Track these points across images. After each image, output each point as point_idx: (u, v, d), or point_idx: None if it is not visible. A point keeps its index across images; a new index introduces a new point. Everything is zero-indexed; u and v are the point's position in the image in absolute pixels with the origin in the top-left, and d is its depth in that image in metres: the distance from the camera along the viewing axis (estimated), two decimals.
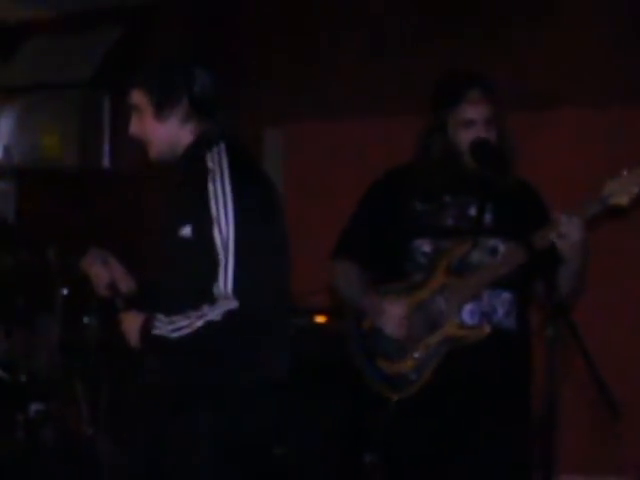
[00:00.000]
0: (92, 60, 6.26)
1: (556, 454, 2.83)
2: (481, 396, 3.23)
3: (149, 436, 3.01)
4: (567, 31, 5.08)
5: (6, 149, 6.55)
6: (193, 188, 2.91)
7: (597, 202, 3.08)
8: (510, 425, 3.23)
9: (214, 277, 2.83)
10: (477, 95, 3.26)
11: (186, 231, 2.88)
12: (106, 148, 6.36)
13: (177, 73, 2.97)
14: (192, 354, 2.90)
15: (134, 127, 3.04)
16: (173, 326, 2.85)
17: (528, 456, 3.22)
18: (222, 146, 2.95)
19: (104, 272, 3.12)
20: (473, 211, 3.27)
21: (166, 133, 2.99)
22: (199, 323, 2.82)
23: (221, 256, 2.82)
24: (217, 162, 2.90)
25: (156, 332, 2.87)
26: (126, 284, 3.16)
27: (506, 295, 3.25)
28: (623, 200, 3.05)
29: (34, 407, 4.51)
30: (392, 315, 3.25)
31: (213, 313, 2.81)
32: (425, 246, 3.28)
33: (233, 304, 2.81)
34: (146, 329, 2.89)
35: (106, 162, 6.39)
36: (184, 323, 2.84)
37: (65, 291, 4.21)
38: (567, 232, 3.05)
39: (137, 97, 3.01)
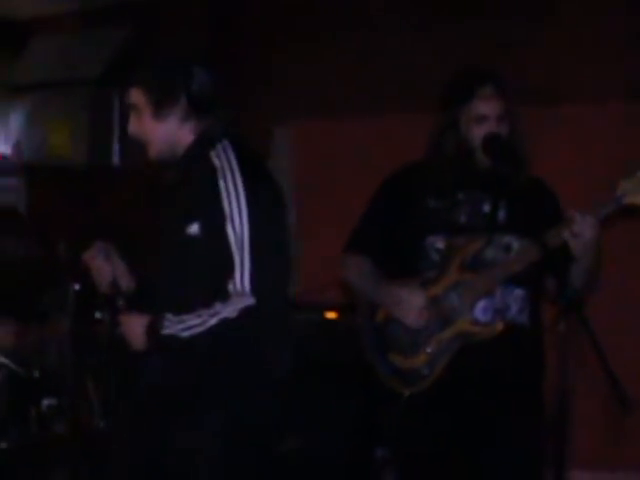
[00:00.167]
0: (102, 58, 6.28)
1: (568, 450, 2.84)
2: (494, 392, 3.24)
3: (151, 436, 2.97)
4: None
5: (16, 146, 6.56)
6: (200, 186, 2.91)
7: (611, 201, 3.09)
8: (523, 421, 3.23)
9: (227, 274, 2.82)
10: (489, 91, 3.27)
11: (194, 229, 2.87)
12: (115, 146, 6.37)
13: (175, 72, 2.94)
14: (205, 352, 2.87)
15: (133, 126, 3.01)
16: (183, 325, 2.83)
17: (540, 452, 3.23)
18: (226, 143, 2.94)
19: (106, 267, 3.08)
20: (486, 208, 3.28)
21: (165, 132, 2.97)
22: (213, 321, 2.81)
23: (236, 253, 2.81)
24: (225, 159, 2.89)
25: (166, 332, 2.85)
26: (126, 282, 3.13)
27: (519, 291, 3.26)
28: (637, 199, 3.06)
29: (46, 402, 4.53)
30: (412, 305, 3.25)
31: (227, 310, 2.80)
32: (438, 243, 3.29)
33: (249, 301, 2.80)
34: (153, 330, 2.86)
35: (115, 159, 6.40)
36: (196, 322, 2.82)
37: (77, 286, 4.22)
38: (580, 231, 3.05)
39: (135, 96, 2.98)
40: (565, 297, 2.95)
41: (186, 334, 2.82)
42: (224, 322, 2.80)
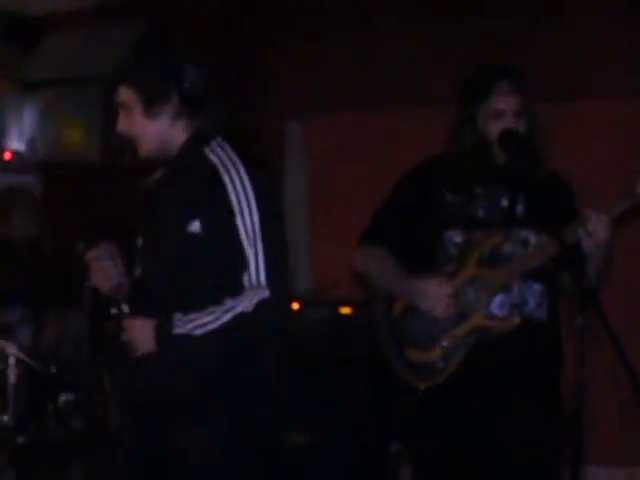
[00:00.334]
0: (115, 54, 6.28)
1: (586, 444, 2.84)
2: (510, 387, 3.24)
3: (152, 437, 2.91)
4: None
5: (30, 142, 6.58)
6: (200, 183, 2.87)
7: (628, 199, 3.10)
8: (539, 416, 3.24)
9: (233, 270, 2.80)
10: (506, 86, 3.28)
11: (195, 226, 2.83)
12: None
13: (166, 69, 2.90)
14: (222, 349, 2.82)
15: (122, 125, 2.95)
16: (194, 324, 2.79)
17: (557, 447, 3.23)
18: (219, 140, 2.91)
19: (113, 270, 2.98)
20: (504, 202, 3.28)
21: (157, 130, 2.91)
22: (227, 317, 2.78)
23: (248, 246, 2.80)
24: (224, 155, 2.87)
25: (177, 331, 2.80)
26: (125, 284, 3.04)
27: (537, 286, 3.27)
28: None
29: (63, 397, 4.55)
30: (440, 295, 3.25)
31: (243, 304, 2.78)
32: (456, 237, 3.29)
33: (264, 294, 2.78)
34: (162, 331, 2.82)
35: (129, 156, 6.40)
36: (208, 319, 2.79)
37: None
38: (595, 230, 3.06)
39: (125, 94, 2.92)
40: (582, 290, 2.94)
41: (199, 332, 2.79)
42: (240, 316, 2.77)
